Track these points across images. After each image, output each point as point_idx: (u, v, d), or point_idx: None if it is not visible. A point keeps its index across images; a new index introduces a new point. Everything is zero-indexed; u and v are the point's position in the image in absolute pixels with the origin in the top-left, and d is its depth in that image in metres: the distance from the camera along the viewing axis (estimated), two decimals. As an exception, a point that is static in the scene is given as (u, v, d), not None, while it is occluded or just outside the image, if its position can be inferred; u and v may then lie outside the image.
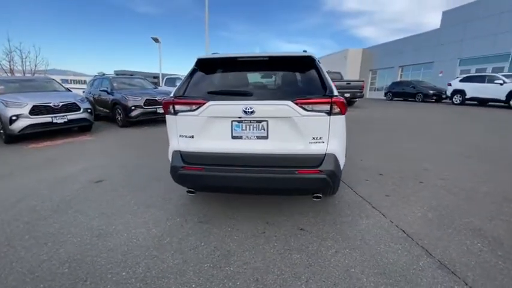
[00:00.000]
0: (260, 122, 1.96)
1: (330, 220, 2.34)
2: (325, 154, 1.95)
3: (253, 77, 2.24)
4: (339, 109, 1.90)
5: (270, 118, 1.94)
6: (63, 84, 7.75)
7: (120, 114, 7.38)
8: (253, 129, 1.97)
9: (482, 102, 12.46)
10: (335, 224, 2.27)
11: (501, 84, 11.09)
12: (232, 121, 1.98)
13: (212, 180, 2.04)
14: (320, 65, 2.11)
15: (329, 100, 1.87)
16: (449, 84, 13.67)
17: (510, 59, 15.09)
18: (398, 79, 22.53)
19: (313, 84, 2.02)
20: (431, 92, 15.47)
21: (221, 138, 2.02)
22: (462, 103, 12.93)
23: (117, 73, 20.28)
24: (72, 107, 6.00)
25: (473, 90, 12.32)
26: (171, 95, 2.13)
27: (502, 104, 11.18)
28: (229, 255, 1.88)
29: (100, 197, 2.86)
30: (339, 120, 1.94)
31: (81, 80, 26.71)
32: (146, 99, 7.28)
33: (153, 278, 1.66)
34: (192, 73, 2.21)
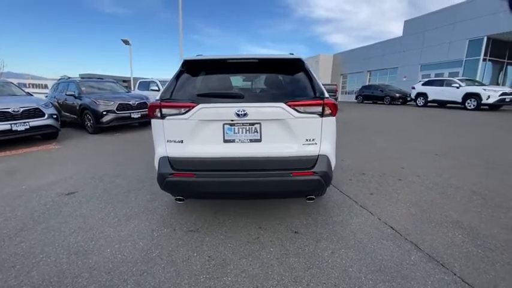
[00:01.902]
0: (253, 124, 1.92)
1: (322, 221, 2.35)
2: (318, 155, 1.96)
3: (243, 79, 2.19)
4: (330, 110, 1.93)
5: (263, 120, 1.91)
6: (22, 88, 7.06)
7: (90, 120, 6.89)
8: (246, 132, 1.93)
9: (442, 104, 13.60)
10: (327, 225, 2.29)
11: (457, 87, 12.21)
12: (224, 124, 1.92)
13: (204, 187, 1.95)
14: (309, 67, 2.14)
15: (321, 102, 1.89)
16: (413, 88, 14.75)
17: (463, 64, 16.71)
18: (367, 83, 23.84)
19: (303, 86, 2.03)
20: (397, 95, 16.57)
21: (212, 142, 1.95)
22: (425, 105, 14.01)
23: (83, 77, 18.98)
24: (35, 113, 5.47)
25: (434, 93, 13.41)
26: (157, 97, 2.01)
27: (459, 105, 12.29)
28: (225, 264, 1.80)
29: (74, 211, 2.61)
30: (330, 122, 1.97)
31: (41, 84, 24.58)
32: (119, 104, 6.88)
33: (145, 296, 1.53)
34: (178, 75, 2.12)
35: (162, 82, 9.66)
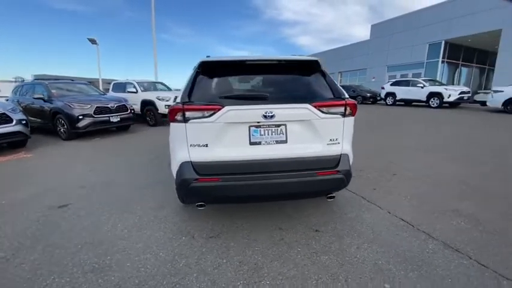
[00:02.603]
0: (279, 126, 1.92)
1: (338, 218, 2.43)
2: (341, 154, 2.03)
3: (262, 81, 2.18)
4: (350, 111, 1.99)
5: (289, 122, 1.92)
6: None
7: (63, 125, 6.33)
8: (271, 134, 1.92)
9: (408, 103, 14.69)
10: (344, 221, 2.37)
11: (422, 87, 13.29)
12: (249, 126, 1.90)
13: (230, 191, 1.91)
14: (325, 68, 2.19)
15: (344, 102, 1.95)
16: (383, 88, 15.74)
17: (425, 66, 18.24)
18: (339, 84, 24.94)
19: (323, 87, 2.08)
20: (368, 94, 17.55)
21: (238, 145, 1.91)
22: (394, 104, 15.03)
23: (37, 78, 17.32)
24: (1, 119, 4.90)
25: (401, 92, 14.44)
26: (178, 100, 1.92)
27: (424, 103, 13.38)
28: (258, 268, 1.78)
29: (74, 225, 2.39)
30: (351, 121, 2.04)
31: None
32: (97, 107, 6.42)
33: (187, 309, 1.45)
34: (195, 77, 2.04)
35: (140, 84, 9.21)
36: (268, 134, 1.92)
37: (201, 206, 2.07)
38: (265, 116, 1.84)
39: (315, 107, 1.90)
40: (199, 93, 1.97)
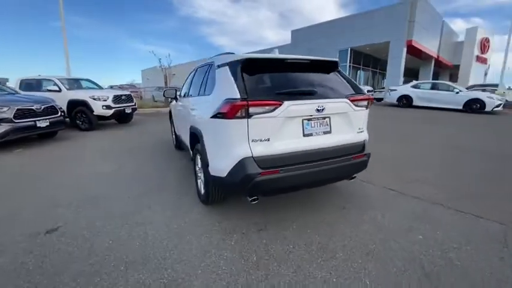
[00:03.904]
0: (324, 118, 2.16)
1: (351, 197, 2.85)
2: (365, 140, 2.43)
3: (300, 78, 2.32)
4: (370, 104, 2.42)
5: (332, 114, 2.18)
6: None
7: (-38, 135, 4.71)
8: (319, 126, 2.14)
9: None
10: (358, 198, 2.81)
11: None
12: (303, 120, 2.06)
13: (288, 181, 2.03)
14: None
15: (368, 97, 2.35)
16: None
17: (337, 69, 21.56)
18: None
19: (345, 83, 2.42)
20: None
21: (294, 138, 2.05)
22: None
23: None
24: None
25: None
26: (235, 96, 1.89)
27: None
28: (325, 245, 1.99)
29: (103, 250, 2.00)
30: (367, 113, 2.47)
31: None
32: (18, 110, 5.04)
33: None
34: (240, 73, 2.04)
35: (62, 80, 7.63)
36: (317, 126, 2.13)
37: (254, 200, 2.10)
38: (317, 110, 2.05)
39: (351, 101, 2.23)
40: (254, 89, 1.99)
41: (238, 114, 1.86)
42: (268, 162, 1.96)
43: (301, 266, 1.77)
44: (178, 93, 4.30)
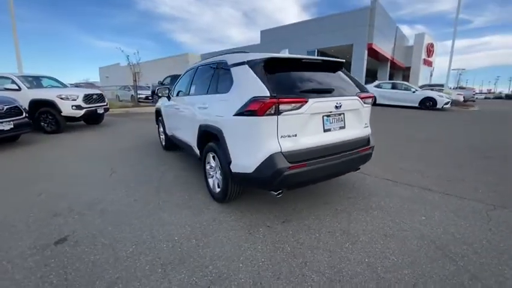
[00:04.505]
0: (340, 114, 2.33)
1: (352, 188, 3.10)
2: (369, 134, 2.67)
3: (315, 76, 2.44)
4: (373, 101, 2.66)
5: (346, 111, 2.36)
6: None
7: None
8: (336, 121, 2.31)
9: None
10: (358, 188, 3.06)
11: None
12: (323, 116, 2.20)
13: (312, 174, 2.16)
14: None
15: (372, 95, 2.58)
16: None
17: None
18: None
19: (351, 82, 2.63)
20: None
21: (316, 133, 2.18)
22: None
23: None
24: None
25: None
26: (265, 94, 1.94)
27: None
28: (347, 231, 2.16)
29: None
30: (370, 109, 2.71)
31: None
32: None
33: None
34: (263, 72, 2.11)
35: (21, 78, 6.82)
36: (334, 122, 2.29)
37: (279, 194, 2.19)
38: (336, 107, 2.21)
39: (361, 98, 2.44)
40: (275, 87, 2.07)
41: (269, 111, 1.93)
42: (296, 157, 2.06)
43: (333, 251, 1.92)
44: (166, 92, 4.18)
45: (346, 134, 2.40)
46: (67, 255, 1.90)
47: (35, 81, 7.36)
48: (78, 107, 6.73)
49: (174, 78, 14.56)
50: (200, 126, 2.78)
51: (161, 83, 15.27)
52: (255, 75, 2.10)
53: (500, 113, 13.64)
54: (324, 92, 2.24)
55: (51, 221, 2.38)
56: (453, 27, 17.36)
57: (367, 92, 2.61)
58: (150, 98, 16.70)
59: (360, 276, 1.67)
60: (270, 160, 1.99)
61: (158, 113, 4.89)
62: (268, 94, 1.94)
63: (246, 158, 2.13)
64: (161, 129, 4.91)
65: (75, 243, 2.05)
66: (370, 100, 2.58)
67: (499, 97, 53.16)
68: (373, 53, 20.84)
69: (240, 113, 2.09)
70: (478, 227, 2.23)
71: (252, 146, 2.07)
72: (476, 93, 34.75)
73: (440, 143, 5.55)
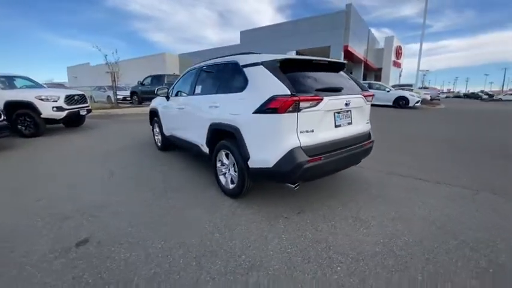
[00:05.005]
0: (348, 111, 2.53)
1: (354, 180, 3.34)
2: (370, 129, 2.91)
3: (324, 76, 2.61)
4: (372, 99, 2.90)
5: (353, 108, 2.56)
6: None
7: None
8: (345, 118, 2.50)
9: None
10: (358, 180, 3.31)
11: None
12: (334, 113, 2.38)
13: (327, 166, 2.33)
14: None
15: (372, 94, 2.82)
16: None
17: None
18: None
19: (352, 81, 2.85)
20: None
21: (329, 128, 2.35)
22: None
23: None
24: None
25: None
26: (285, 92, 2.07)
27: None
28: (359, 217, 2.36)
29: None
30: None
31: None
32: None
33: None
34: (281, 72, 2.24)
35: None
36: (344, 118, 2.49)
37: (296, 186, 2.34)
38: (346, 104, 2.41)
39: (364, 96, 2.66)
40: (296, 85, 2.20)
41: (290, 108, 2.07)
42: (313, 151, 2.22)
43: (350, 235, 2.10)
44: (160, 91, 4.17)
45: (353, 129, 2.61)
46: (94, 255, 1.89)
47: (8, 81, 6.84)
48: (60, 109, 6.38)
49: (155, 78, 14.20)
50: (211, 125, 2.84)
51: (141, 83, 14.80)
52: (272, 75, 2.23)
53: (464, 111, 15.03)
54: (335, 90, 2.43)
55: (62, 225, 2.32)
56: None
57: (368, 90, 2.85)
58: (129, 98, 16.06)
59: (379, 255, 1.86)
60: (291, 154, 2.13)
61: (154, 113, 4.82)
62: (289, 92, 2.08)
63: (265, 154, 2.24)
64: (156, 129, 4.85)
65: (98, 244, 2.03)
66: (371, 98, 2.82)
67: (458, 96, 58.03)
68: (349, 55, 21.82)
69: (261, 111, 2.20)
70: (467, 209, 2.54)
71: (272, 141, 2.19)
72: (441, 92, 37.80)
73: (419, 138, 6.06)
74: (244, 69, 2.54)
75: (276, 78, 2.20)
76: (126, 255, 1.88)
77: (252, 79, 2.42)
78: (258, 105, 2.22)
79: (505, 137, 6.49)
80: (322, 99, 2.21)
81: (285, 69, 2.32)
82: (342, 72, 2.89)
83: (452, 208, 2.56)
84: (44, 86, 7.73)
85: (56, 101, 6.35)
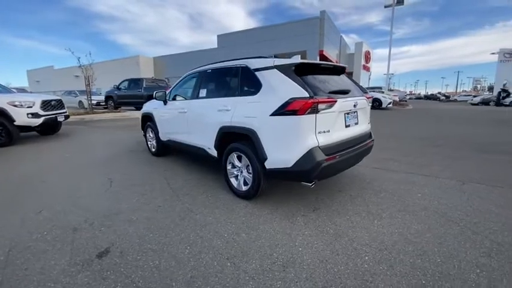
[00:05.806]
0: (355, 112, 2.70)
1: (355, 176, 3.54)
2: (370, 129, 3.13)
3: (331, 79, 2.76)
4: (371, 101, 3.13)
5: (359, 109, 2.74)
6: None
7: None
8: (353, 118, 2.67)
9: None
10: (361, 174, 3.52)
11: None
12: (345, 113, 2.54)
13: (341, 164, 2.47)
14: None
15: (372, 96, 3.05)
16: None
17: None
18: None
19: (354, 84, 3.04)
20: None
21: (341, 129, 2.50)
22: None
23: None
24: None
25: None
26: (304, 95, 2.17)
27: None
28: (373, 211, 2.53)
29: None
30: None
31: None
32: None
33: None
34: (296, 75, 2.35)
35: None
36: (352, 119, 2.65)
37: (313, 184, 2.45)
38: (354, 105, 2.57)
39: (367, 98, 2.86)
40: (311, 88, 2.31)
41: (309, 110, 2.18)
42: (329, 150, 2.35)
43: (367, 228, 2.25)
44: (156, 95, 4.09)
45: (359, 129, 2.79)
46: (121, 265, 1.83)
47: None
48: (35, 115, 5.93)
49: (133, 82, 13.66)
50: (221, 128, 2.86)
51: (117, 88, 14.13)
52: (289, 78, 2.33)
53: (430, 111, 16.40)
54: (345, 92, 2.59)
55: (75, 236, 2.20)
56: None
57: (367, 93, 3.07)
58: (103, 103, 15.24)
59: (398, 243, 2.02)
60: (311, 154, 2.24)
61: (148, 118, 4.67)
62: (308, 95, 2.19)
63: (284, 154, 2.32)
64: (150, 134, 4.70)
65: (121, 253, 1.96)
66: (371, 100, 3.04)
67: (419, 97, 62.96)
68: (324, 59, 22.74)
69: (279, 113, 2.28)
70: (459, 198, 2.84)
71: (292, 142, 2.28)
72: (407, 94, 40.76)
73: (400, 137, 6.54)
74: (257, 72, 2.61)
75: (292, 81, 2.30)
76: (155, 263, 1.85)
77: (266, 82, 2.50)
78: (275, 108, 2.30)
79: (470, 133, 7.24)
80: (336, 101, 2.35)
81: (300, 72, 2.43)
82: (342, 76, 3.07)
83: (446, 198, 2.83)
84: (14, 90, 7.11)
85: (31, 107, 5.90)
